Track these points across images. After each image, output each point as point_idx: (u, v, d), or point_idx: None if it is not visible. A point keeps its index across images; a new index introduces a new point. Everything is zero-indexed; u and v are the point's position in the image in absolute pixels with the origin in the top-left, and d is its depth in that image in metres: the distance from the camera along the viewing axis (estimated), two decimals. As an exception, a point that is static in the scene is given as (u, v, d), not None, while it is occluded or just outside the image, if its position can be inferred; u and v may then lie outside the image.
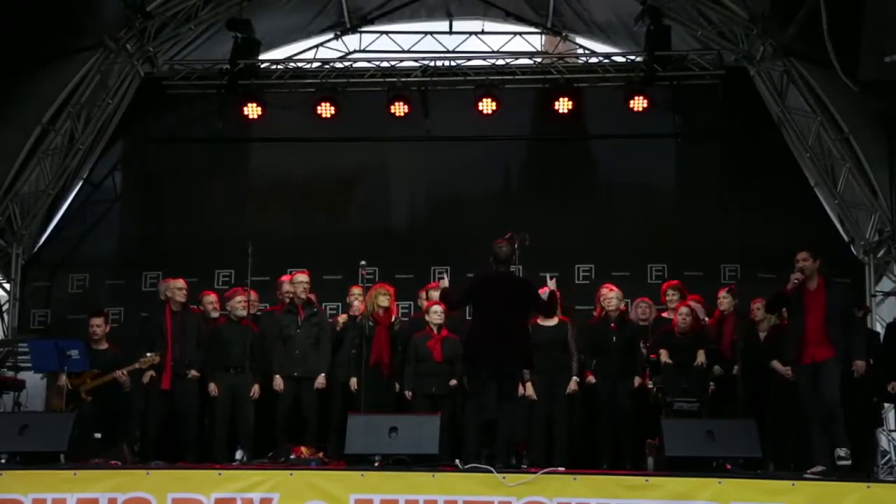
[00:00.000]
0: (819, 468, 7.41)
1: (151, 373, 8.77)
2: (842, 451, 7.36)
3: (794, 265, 7.94)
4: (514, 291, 7.84)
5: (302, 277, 9.32)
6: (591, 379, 8.87)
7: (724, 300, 9.27)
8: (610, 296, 9.14)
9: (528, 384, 8.74)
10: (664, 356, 8.75)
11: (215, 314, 9.42)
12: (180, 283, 9.21)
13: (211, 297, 9.53)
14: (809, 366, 7.70)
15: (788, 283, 7.90)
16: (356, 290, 9.37)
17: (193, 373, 8.91)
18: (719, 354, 8.95)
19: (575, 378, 8.78)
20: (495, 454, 7.39)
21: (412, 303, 10.33)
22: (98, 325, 9.01)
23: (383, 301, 9.10)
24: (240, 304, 9.09)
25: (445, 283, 8.34)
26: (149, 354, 8.69)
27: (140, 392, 8.87)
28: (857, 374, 7.75)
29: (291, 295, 9.29)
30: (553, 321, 8.92)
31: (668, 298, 9.39)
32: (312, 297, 9.52)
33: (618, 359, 8.91)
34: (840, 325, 7.72)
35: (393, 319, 9.20)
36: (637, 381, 8.87)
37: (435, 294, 9.25)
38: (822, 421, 7.60)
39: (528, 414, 8.78)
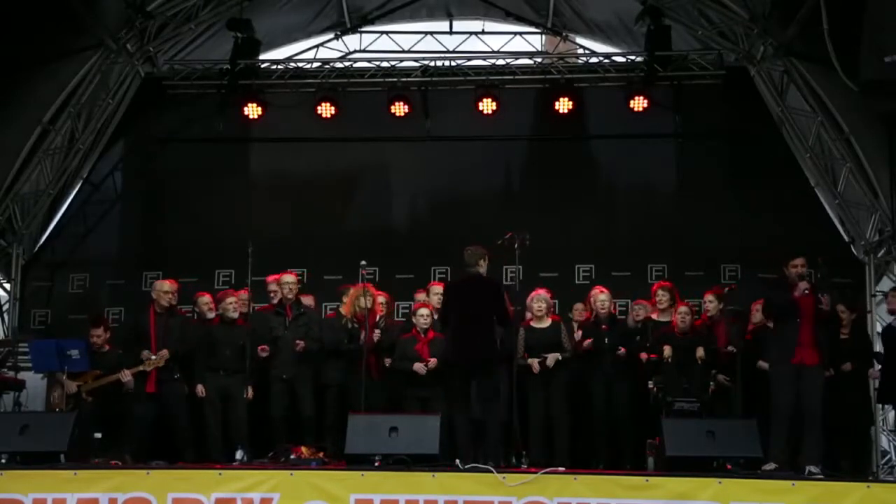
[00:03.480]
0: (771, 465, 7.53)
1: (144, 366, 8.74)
2: (814, 468, 7.43)
3: (790, 269, 8.03)
4: (482, 293, 8.00)
5: (289, 278, 9.33)
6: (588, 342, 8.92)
7: (711, 304, 9.23)
8: (601, 297, 9.15)
9: (531, 360, 8.79)
10: (667, 351, 8.74)
11: (211, 314, 9.39)
12: (167, 285, 9.14)
13: (206, 298, 9.51)
14: (796, 366, 7.84)
15: (795, 290, 7.95)
16: (351, 291, 9.39)
17: (164, 352, 8.74)
18: (719, 356, 8.93)
19: (555, 355, 8.79)
20: (487, 453, 7.44)
21: (412, 303, 10.32)
22: (98, 334, 8.98)
23: (362, 302, 9.08)
24: (231, 305, 9.07)
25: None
26: (153, 357, 8.68)
27: (132, 396, 8.87)
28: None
29: (277, 294, 9.28)
30: (546, 322, 8.95)
31: (658, 299, 9.34)
32: (308, 297, 9.52)
33: (612, 360, 8.92)
34: (826, 330, 7.97)
35: (377, 319, 9.19)
36: (622, 350, 8.89)
37: (436, 288, 9.23)
38: (794, 422, 7.74)
39: (526, 414, 8.80)
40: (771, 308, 8.31)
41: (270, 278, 9.55)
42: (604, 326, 9.03)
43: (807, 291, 7.93)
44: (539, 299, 9.02)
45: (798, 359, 7.85)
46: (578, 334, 9.18)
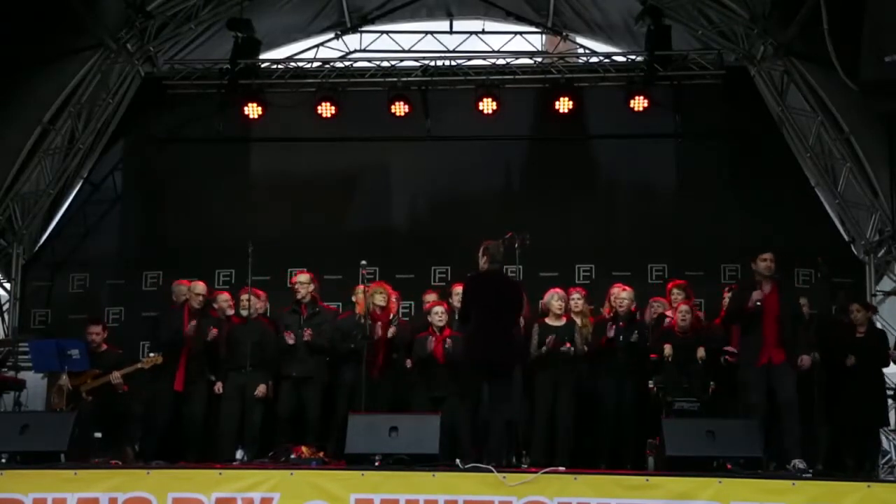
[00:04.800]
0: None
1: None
2: (800, 463, 7.50)
3: (759, 262, 8.05)
4: (503, 292, 7.89)
5: (303, 278, 9.35)
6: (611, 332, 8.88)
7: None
8: (623, 295, 9.13)
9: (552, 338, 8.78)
10: (668, 350, 8.75)
11: (231, 311, 9.43)
12: (200, 286, 9.19)
13: (225, 296, 9.55)
14: (765, 365, 7.93)
15: (749, 301, 7.97)
16: (359, 290, 9.41)
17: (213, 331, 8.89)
18: (721, 355, 8.94)
19: (569, 346, 8.81)
20: (492, 453, 7.43)
21: (413, 303, 10.33)
22: (96, 332, 8.98)
23: (379, 300, 9.09)
24: (244, 302, 9.11)
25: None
26: (152, 355, 8.69)
27: (140, 397, 8.86)
28: (802, 368, 8.11)
29: (297, 295, 9.32)
30: (561, 321, 8.95)
31: (672, 297, 9.37)
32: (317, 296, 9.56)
33: (625, 358, 8.92)
34: (791, 327, 8.01)
35: (391, 317, 9.20)
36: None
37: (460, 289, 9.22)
38: (770, 420, 7.81)
39: (531, 413, 8.79)
40: (729, 317, 8.38)
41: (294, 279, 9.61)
42: (621, 324, 9.01)
43: (759, 303, 7.94)
44: (558, 297, 9.00)
45: (766, 359, 7.92)
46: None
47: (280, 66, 11.91)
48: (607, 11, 12.23)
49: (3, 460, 7.31)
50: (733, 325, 8.54)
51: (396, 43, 12.57)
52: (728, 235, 11.17)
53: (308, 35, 12.84)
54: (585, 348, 8.98)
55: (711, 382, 8.79)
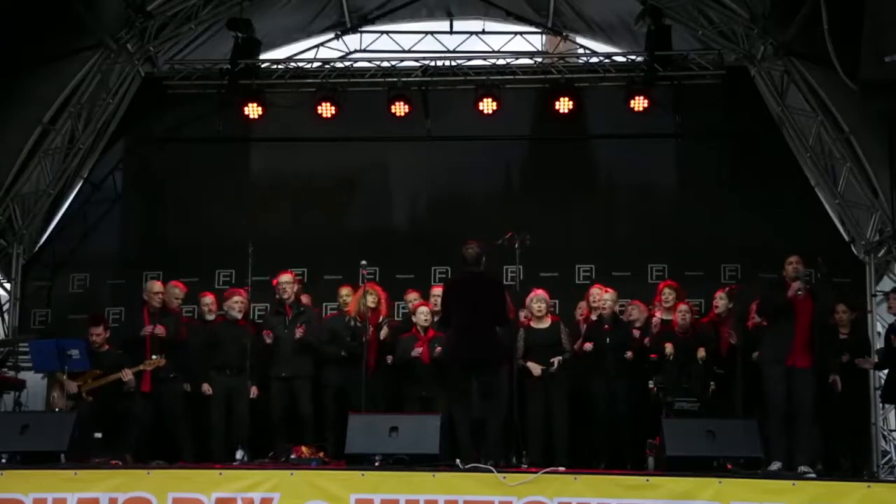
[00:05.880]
0: (777, 465, 7.72)
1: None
2: (805, 468, 7.57)
3: (786, 267, 8.07)
4: (483, 292, 7.93)
5: (285, 278, 9.37)
6: (589, 346, 8.94)
7: (721, 301, 9.27)
8: (605, 297, 9.16)
9: (531, 363, 8.83)
10: (669, 348, 8.75)
11: (211, 316, 9.45)
12: (156, 286, 9.22)
13: (208, 299, 9.56)
14: (787, 367, 7.96)
15: (790, 290, 7.97)
16: (344, 291, 9.42)
17: (159, 330, 8.82)
18: (719, 354, 8.95)
19: (559, 358, 8.85)
20: (490, 453, 7.44)
21: (411, 303, 10.32)
22: (98, 333, 8.94)
23: (370, 301, 9.10)
24: (236, 304, 9.11)
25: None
26: (154, 357, 8.70)
27: (129, 397, 8.90)
28: (837, 388, 8.29)
29: (283, 295, 9.32)
30: (546, 323, 8.97)
31: (663, 298, 9.37)
32: (305, 297, 9.55)
33: (613, 359, 8.92)
34: (820, 335, 8.05)
35: (380, 320, 9.21)
36: (629, 354, 8.90)
37: (438, 291, 9.26)
38: (786, 421, 7.88)
39: (526, 413, 8.81)
40: (766, 307, 8.33)
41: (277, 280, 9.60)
42: (606, 326, 9.03)
43: (800, 292, 7.96)
44: (538, 299, 9.05)
45: (790, 361, 7.91)
46: (582, 328, 9.19)
47: (280, 66, 11.89)
48: (607, 11, 12.22)
49: (3, 460, 7.33)
50: (766, 317, 8.42)
51: (396, 43, 12.56)
52: (728, 235, 11.18)
53: (308, 35, 12.83)
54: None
55: (711, 382, 8.80)
